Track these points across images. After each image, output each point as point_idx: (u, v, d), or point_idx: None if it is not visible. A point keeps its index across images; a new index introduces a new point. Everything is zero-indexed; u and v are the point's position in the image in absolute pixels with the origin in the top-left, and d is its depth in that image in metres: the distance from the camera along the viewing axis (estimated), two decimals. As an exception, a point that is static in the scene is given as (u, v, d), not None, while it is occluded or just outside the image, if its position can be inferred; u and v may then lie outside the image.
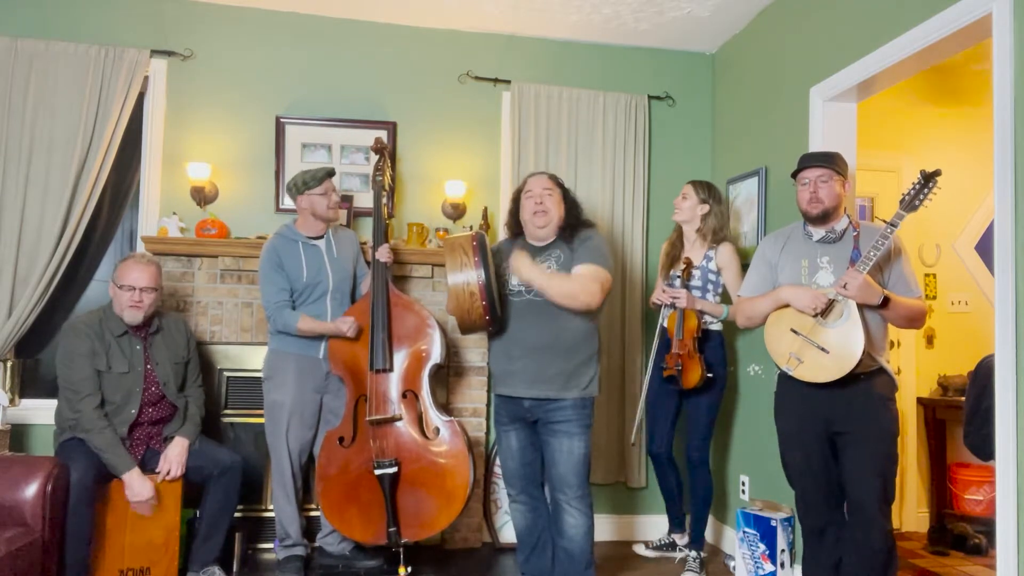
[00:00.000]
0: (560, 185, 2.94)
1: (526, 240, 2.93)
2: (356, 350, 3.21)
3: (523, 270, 2.73)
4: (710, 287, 3.46)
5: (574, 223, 2.89)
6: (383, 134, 3.90)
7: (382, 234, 3.36)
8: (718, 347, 3.45)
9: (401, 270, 3.75)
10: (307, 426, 3.28)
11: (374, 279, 3.26)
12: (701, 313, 3.39)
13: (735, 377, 3.89)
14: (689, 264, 3.42)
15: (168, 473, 2.97)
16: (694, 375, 3.32)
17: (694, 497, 3.52)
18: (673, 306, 3.39)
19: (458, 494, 3.13)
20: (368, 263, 3.43)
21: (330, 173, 3.30)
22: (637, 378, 3.98)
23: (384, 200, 3.86)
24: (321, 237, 3.34)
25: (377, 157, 3.49)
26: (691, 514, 3.54)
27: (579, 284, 2.72)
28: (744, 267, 3.23)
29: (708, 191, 3.50)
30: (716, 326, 3.47)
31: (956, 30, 2.54)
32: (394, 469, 3.10)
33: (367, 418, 3.15)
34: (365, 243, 3.53)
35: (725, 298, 3.49)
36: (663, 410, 3.57)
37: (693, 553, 3.48)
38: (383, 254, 3.30)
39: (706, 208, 3.46)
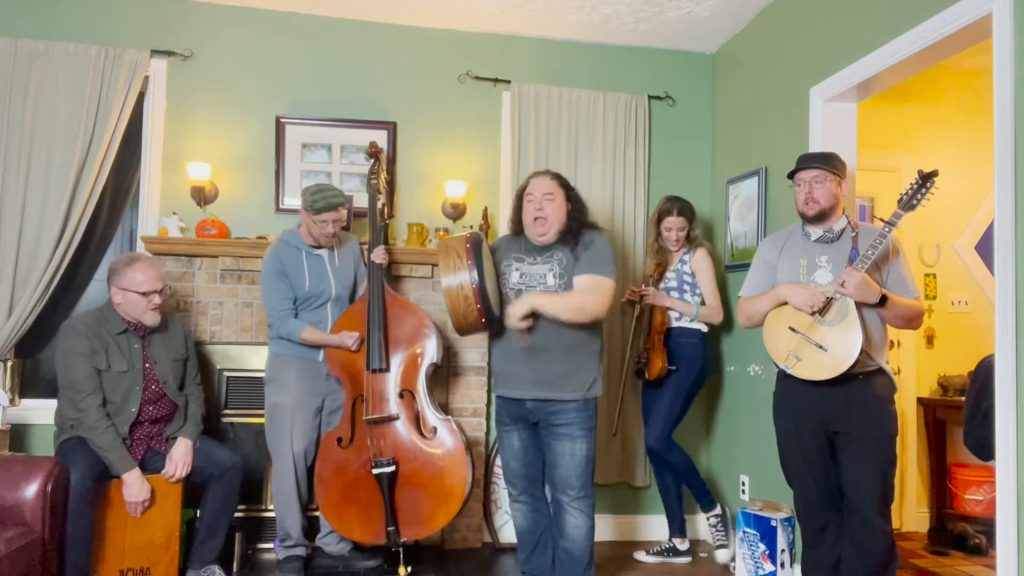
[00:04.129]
0: (564, 185, 2.90)
1: (527, 238, 2.91)
2: (353, 352, 3.22)
3: (526, 306, 2.68)
4: (687, 287, 3.60)
5: (576, 227, 2.86)
6: (383, 134, 3.90)
7: (378, 236, 3.36)
8: (698, 342, 3.57)
9: (401, 270, 3.75)
10: (310, 427, 3.28)
11: (370, 280, 3.27)
12: (669, 310, 3.58)
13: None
14: (659, 265, 3.63)
15: (175, 475, 2.97)
16: (655, 366, 3.52)
17: (677, 475, 3.62)
18: (641, 303, 3.63)
19: (456, 492, 3.13)
20: (366, 265, 3.44)
21: (334, 206, 3.17)
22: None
23: (383, 201, 3.87)
24: (324, 247, 3.34)
25: (372, 160, 3.50)
26: (689, 489, 3.66)
27: (585, 299, 2.73)
28: (742, 265, 3.24)
29: (692, 211, 3.64)
30: (695, 324, 3.57)
31: (956, 30, 2.54)
32: (392, 468, 3.11)
33: (364, 418, 3.15)
34: (363, 243, 3.52)
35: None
36: (654, 408, 3.63)
37: (712, 519, 3.64)
38: (379, 255, 3.30)
39: (692, 224, 3.64)
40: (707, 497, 3.66)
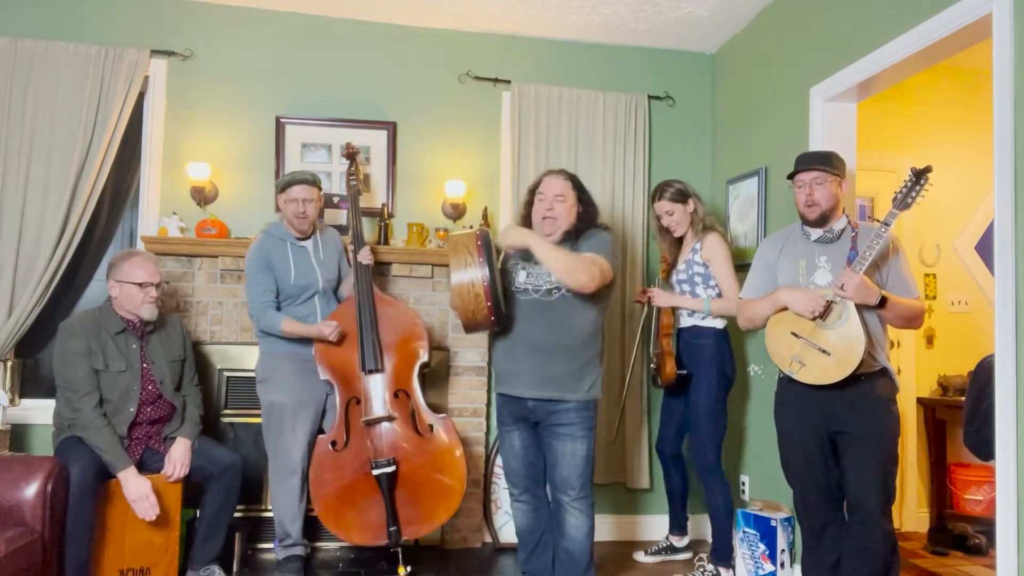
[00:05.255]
0: (577, 187, 2.89)
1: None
2: (344, 353, 3.21)
3: (519, 234, 2.72)
4: (698, 279, 3.38)
5: (584, 228, 2.85)
6: (383, 134, 3.90)
7: (361, 236, 3.35)
8: (712, 343, 3.34)
9: (401, 270, 3.75)
10: (313, 422, 3.27)
11: (358, 281, 3.26)
12: (679, 309, 3.42)
13: (740, 376, 3.88)
14: (665, 261, 3.49)
15: (173, 475, 2.97)
16: (665, 372, 3.37)
17: (708, 506, 3.39)
18: (649, 304, 3.47)
19: (456, 489, 3.15)
20: (350, 263, 3.43)
21: (297, 181, 3.20)
22: (637, 378, 3.98)
23: (383, 202, 3.88)
24: (308, 238, 3.34)
25: (349, 162, 3.51)
26: (711, 524, 3.40)
27: (577, 260, 2.68)
28: (742, 265, 3.24)
29: (683, 193, 3.43)
30: (710, 321, 3.36)
31: (956, 30, 2.54)
32: (392, 468, 3.11)
33: (362, 419, 3.15)
34: (349, 245, 3.51)
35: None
36: (668, 410, 3.59)
37: (710, 567, 3.36)
38: (365, 256, 3.29)
39: (692, 206, 3.44)
40: (728, 549, 3.36)
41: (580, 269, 2.66)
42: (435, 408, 3.37)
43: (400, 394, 3.23)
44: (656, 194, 3.49)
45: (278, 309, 3.23)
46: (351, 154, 3.54)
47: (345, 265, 3.46)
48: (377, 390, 3.21)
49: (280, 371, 3.24)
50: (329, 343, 3.18)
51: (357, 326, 3.21)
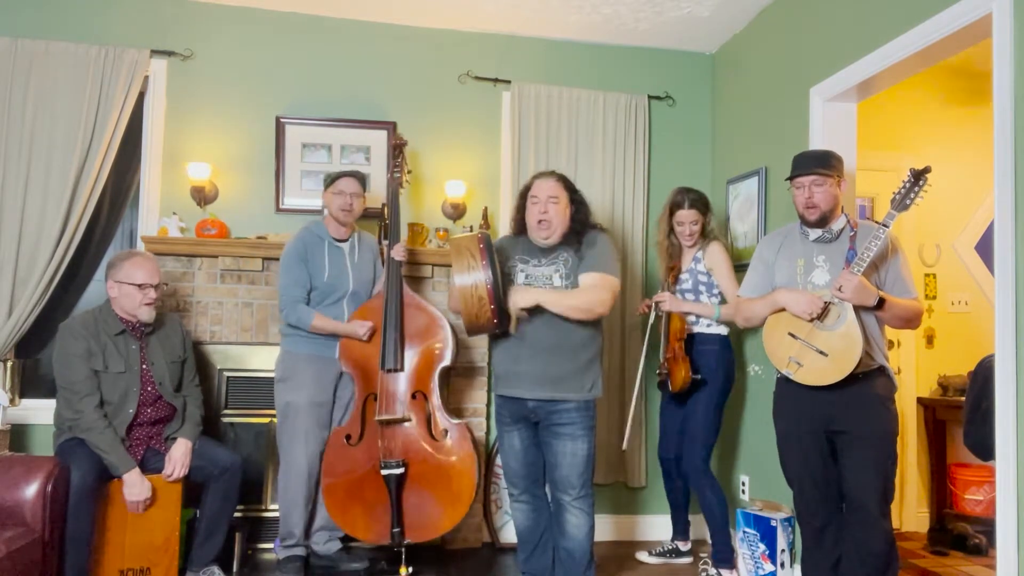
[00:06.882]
0: (568, 188, 2.89)
1: (530, 239, 2.91)
2: (368, 348, 3.21)
3: (529, 298, 2.72)
4: (702, 288, 3.40)
5: (580, 229, 2.86)
6: (383, 134, 3.90)
7: (398, 232, 3.35)
8: (718, 349, 3.37)
9: (401, 270, 3.74)
10: (324, 425, 3.27)
11: (388, 278, 3.26)
12: (687, 315, 3.38)
13: (739, 377, 3.88)
14: (675, 268, 3.43)
15: (172, 474, 2.97)
16: (678, 377, 3.32)
17: (703, 510, 3.39)
18: (657, 311, 3.42)
19: (464, 497, 3.14)
20: (383, 264, 3.43)
21: (345, 175, 3.29)
22: (636, 379, 3.97)
23: (384, 201, 3.86)
24: (346, 240, 3.34)
25: (396, 153, 3.50)
26: (708, 528, 3.39)
27: (591, 297, 2.73)
28: (742, 266, 3.24)
29: (706, 203, 3.43)
30: (715, 328, 3.38)
31: (956, 30, 2.54)
32: (401, 470, 3.10)
33: (376, 417, 3.15)
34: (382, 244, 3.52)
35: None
36: (670, 415, 3.57)
37: (713, 571, 3.35)
38: (398, 252, 3.29)
39: (706, 217, 3.45)
40: (728, 550, 3.34)
41: (596, 303, 2.74)
42: (454, 412, 3.33)
43: (418, 396, 3.22)
44: (680, 202, 3.42)
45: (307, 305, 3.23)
46: (399, 145, 3.51)
47: (380, 268, 3.46)
48: (395, 390, 3.20)
49: (299, 372, 3.24)
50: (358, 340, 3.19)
51: (382, 322, 3.21)
